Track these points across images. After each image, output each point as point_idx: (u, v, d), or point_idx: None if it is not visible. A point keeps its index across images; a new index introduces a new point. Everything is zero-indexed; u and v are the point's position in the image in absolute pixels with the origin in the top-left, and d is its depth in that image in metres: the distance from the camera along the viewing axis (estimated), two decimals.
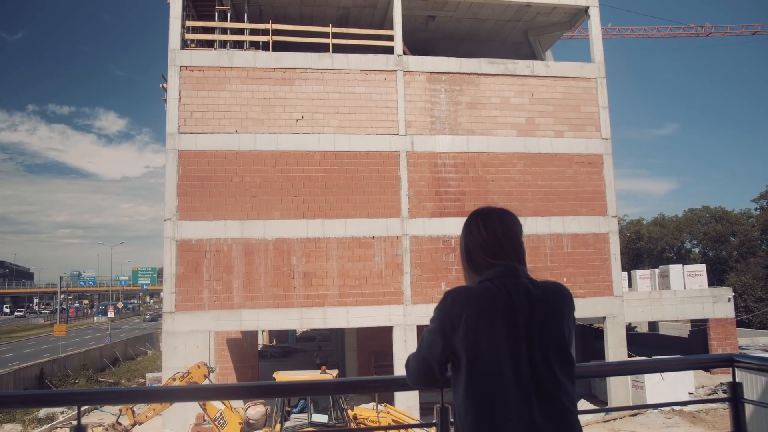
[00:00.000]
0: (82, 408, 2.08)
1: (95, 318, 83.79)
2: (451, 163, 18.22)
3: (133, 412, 12.75)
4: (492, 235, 1.85)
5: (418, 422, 13.63)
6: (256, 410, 17.34)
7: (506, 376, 1.70)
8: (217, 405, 13.29)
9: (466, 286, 1.84)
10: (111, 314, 52.65)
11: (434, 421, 2.09)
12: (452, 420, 1.88)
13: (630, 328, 33.01)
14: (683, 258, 62.27)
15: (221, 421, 13.26)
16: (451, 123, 18.34)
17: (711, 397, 20.00)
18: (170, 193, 16.75)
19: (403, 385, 2.08)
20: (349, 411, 13.34)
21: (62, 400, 2.74)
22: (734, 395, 2.39)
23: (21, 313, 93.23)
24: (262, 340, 38.03)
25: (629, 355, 19.59)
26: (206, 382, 13.09)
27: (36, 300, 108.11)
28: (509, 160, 18.46)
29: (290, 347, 38.66)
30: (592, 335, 27.08)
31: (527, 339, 1.73)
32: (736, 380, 2.42)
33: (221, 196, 16.93)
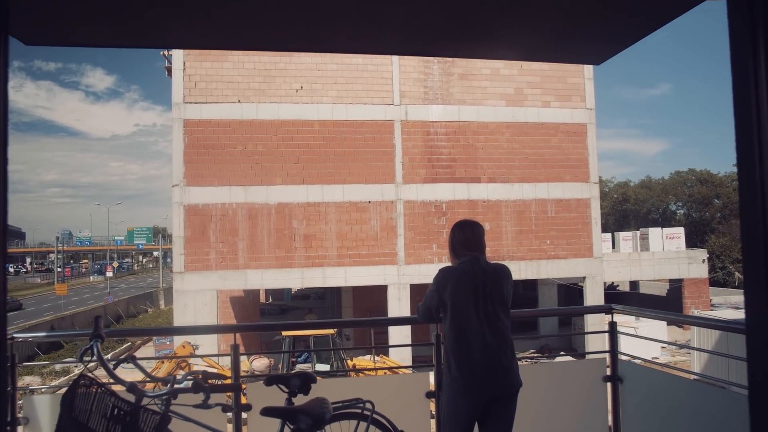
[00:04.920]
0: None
1: (91, 277, 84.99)
2: (443, 131, 19.20)
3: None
4: (467, 237, 3.05)
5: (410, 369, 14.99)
6: (260, 362, 18.71)
7: (471, 315, 2.92)
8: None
9: (451, 266, 3.09)
10: (109, 273, 53.83)
11: (431, 342, 3.31)
12: (442, 342, 3.08)
13: (612, 287, 34.68)
14: (668, 219, 64.00)
15: None
16: (443, 93, 19.25)
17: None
18: (177, 160, 17.68)
19: (414, 321, 3.34)
20: (349, 361, 14.67)
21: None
22: (612, 329, 3.62)
23: None
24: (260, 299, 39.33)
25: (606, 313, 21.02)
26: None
27: (29, 260, 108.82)
28: (498, 129, 19.45)
29: (286, 305, 40.05)
30: (576, 294, 28.57)
31: (483, 295, 2.95)
32: (613, 320, 3.66)
33: (226, 163, 17.89)
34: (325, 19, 2.28)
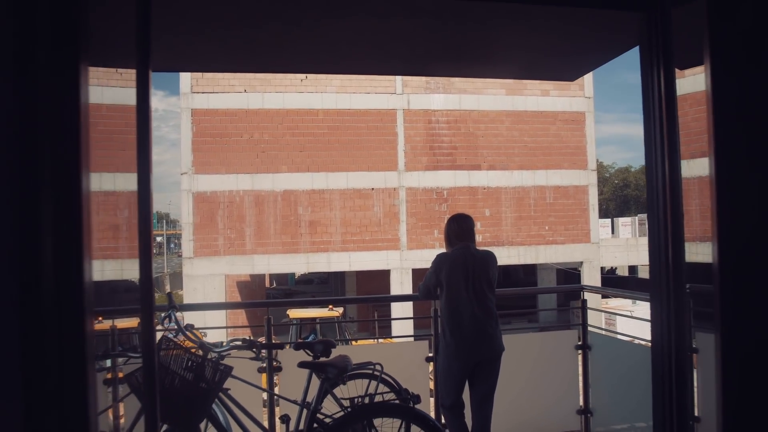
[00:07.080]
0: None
1: None
2: (445, 120, 19.66)
3: None
4: (459, 228, 3.64)
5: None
6: None
7: (461, 292, 3.50)
8: None
9: (446, 252, 3.67)
10: None
11: (430, 315, 3.88)
12: (439, 315, 3.66)
13: (611, 272, 35.24)
14: None
15: None
16: (444, 82, 19.67)
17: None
18: (186, 148, 18.20)
19: (414, 298, 3.92)
20: (354, 342, 15.28)
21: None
22: (583, 305, 4.18)
23: None
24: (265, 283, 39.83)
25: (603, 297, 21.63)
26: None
27: None
28: (498, 117, 19.89)
29: (290, 289, 40.55)
30: (575, 279, 29.10)
31: (472, 276, 3.53)
32: (584, 298, 4.23)
33: (233, 152, 18.39)
34: (341, 49, 2.80)
